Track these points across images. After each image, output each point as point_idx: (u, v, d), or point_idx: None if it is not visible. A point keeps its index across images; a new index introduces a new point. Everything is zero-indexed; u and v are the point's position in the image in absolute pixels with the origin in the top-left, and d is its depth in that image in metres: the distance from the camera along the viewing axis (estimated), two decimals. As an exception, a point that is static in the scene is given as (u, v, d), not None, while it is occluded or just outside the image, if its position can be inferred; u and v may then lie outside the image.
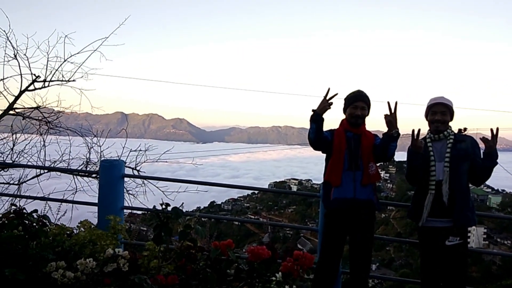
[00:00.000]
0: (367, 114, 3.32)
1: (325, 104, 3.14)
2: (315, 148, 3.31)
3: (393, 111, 3.10)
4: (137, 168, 5.69)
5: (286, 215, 64.86)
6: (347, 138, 3.27)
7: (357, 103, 3.26)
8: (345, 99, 3.35)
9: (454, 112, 3.19)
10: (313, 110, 3.16)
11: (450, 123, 3.19)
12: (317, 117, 3.14)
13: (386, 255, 46.14)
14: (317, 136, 3.20)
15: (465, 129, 3.27)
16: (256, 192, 61.85)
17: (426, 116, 3.23)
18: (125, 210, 4.57)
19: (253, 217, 60.86)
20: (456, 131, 3.21)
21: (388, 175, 76.67)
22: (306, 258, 1.89)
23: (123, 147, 5.51)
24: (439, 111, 3.12)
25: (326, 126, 3.29)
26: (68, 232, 2.75)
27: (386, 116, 3.11)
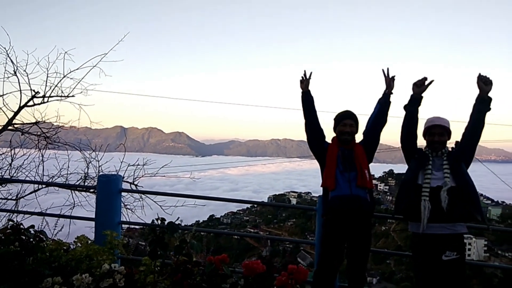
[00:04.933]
0: (356, 131, 3.49)
1: (308, 82, 3.56)
2: (309, 127, 3.53)
3: (387, 74, 3.49)
4: (135, 183, 5.69)
5: (286, 228, 64.44)
6: (340, 149, 3.43)
7: (346, 121, 3.45)
8: (334, 119, 3.54)
9: (451, 132, 3.28)
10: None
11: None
12: (305, 94, 3.55)
13: (387, 268, 45.73)
14: (308, 108, 3.53)
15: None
16: (255, 205, 61.52)
17: (424, 136, 3.32)
18: (123, 225, 4.57)
19: (252, 230, 60.45)
20: (453, 144, 3.27)
21: (387, 187, 76.51)
22: (300, 272, 1.90)
23: (121, 162, 5.52)
24: (437, 133, 3.22)
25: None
26: (65, 248, 2.76)
27: (386, 79, 3.50)
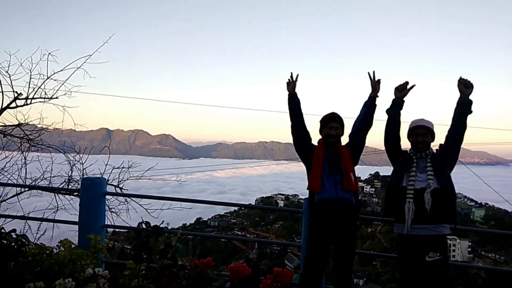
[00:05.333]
0: (342, 134, 3.51)
1: (294, 84, 3.57)
2: (295, 130, 3.54)
3: (373, 78, 3.53)
4: (120, 186, 5.62)
5: (273, 231, 64.50)
6: (326, 152, 3.45)
7: (332, 124, 3.47)
8: (320, 121, 3.56)
9: (435, 134, 3.33)
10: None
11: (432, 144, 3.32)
12: (292, 96, 3.57)
13: (373, 270, 46.09)
14: (295, 111, 3.54)
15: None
16: (242, 208, 61.47)
17: (408, 137, 3.37)
18: (108, 229, 4.51)
19: (240, 233, 60.31)
20: (437, 146, 3.32)
21: (373, 189, 77.24)
22: (286, 275, 1.90)
23: (106, 164, 5.45)
24: (421, 133, 3.27)
25: (290, 138, 3.57)
26: (47, 252, 2.71)
27: (372, 82, 3.53)
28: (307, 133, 3.56)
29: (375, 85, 3.53)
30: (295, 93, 3.59)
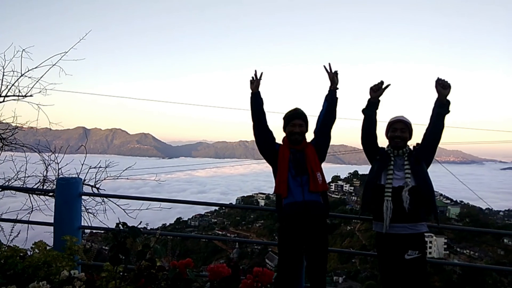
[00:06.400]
0: (306, 131, 3.45)
1: (258, 83, 3.46)
2: (258, 130, 3.44)
3: (329, 70, 3.45)
4: (97, 186, 5.50)
5: (254, 230, 64.64)
6: (291, 151, 3.38)
7: (295, 121, 3.40)
8: (283, 118, 3.48)
9: (412, 131, 3.37)
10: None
11: (409, 142, 3.35)
12: (255, 95, 3.46)
13: (352, 267, 46.74)
14: (257, 110, 3.43)
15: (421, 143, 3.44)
16: (223, 207, 61.38)
17: (387, 133, 3.39)
18: (85, 230, 4.41)
19: (220, 232, 60.18)
20: (414, 145, 3.36)
21: (352, 188, 78.32)
22: (265, 275, 1.89)
23: (82, 164, 5.34)
24: (399, 128, 3.30)
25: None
26: (21, 254, 2.64)
27: (329, 75, 3.45)
28: (270, 133, 3.47)
29: (333, 77, 3.44)
30: (259, 92, 3.48)
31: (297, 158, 3.33)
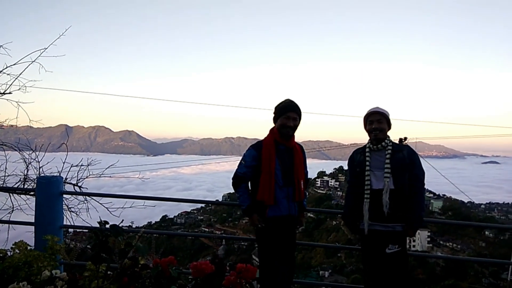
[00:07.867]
0: (299, 125, 3.35)
1: (257, 224, 3.27)
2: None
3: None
4: (79, 184, 5.42)
5: (241, 226, 64.60)
6: (279, 151, 3.28)
7: (290, 113, 3.25)
8: (276, 108, 3.32)
9: (390, 121, 3.32)
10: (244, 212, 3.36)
11: (389, 133, 3.33)
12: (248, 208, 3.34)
13: (338, 261, 47.16)
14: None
15: (405, 138, 3.48)
16: (209, 204, 61.21)
17: (365, 127, 3.36)
18: (69, 229, 4.34)
19: (207, 229, 60.00)
20: (397, 141, 3.38)
21: (338, 183, 78.92)
22: (249, 271, 1.90)
23: (64, 162, 5.24)
24: (375, 120, 3.26)
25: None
26: (1, 255, 2.59)
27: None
28: (250, 173, 3.33)
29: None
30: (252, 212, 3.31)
31: (285, 165, 3.25)
